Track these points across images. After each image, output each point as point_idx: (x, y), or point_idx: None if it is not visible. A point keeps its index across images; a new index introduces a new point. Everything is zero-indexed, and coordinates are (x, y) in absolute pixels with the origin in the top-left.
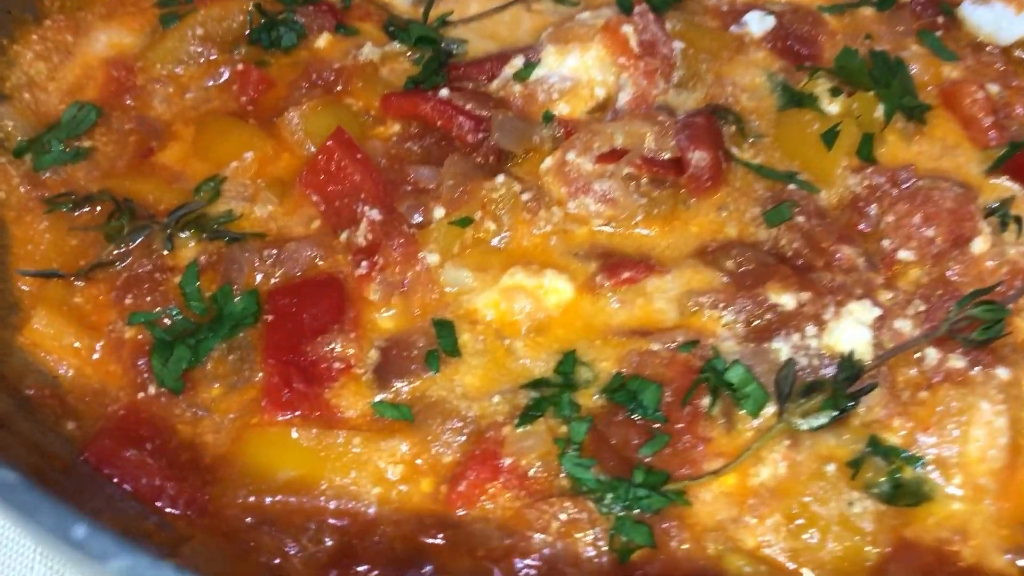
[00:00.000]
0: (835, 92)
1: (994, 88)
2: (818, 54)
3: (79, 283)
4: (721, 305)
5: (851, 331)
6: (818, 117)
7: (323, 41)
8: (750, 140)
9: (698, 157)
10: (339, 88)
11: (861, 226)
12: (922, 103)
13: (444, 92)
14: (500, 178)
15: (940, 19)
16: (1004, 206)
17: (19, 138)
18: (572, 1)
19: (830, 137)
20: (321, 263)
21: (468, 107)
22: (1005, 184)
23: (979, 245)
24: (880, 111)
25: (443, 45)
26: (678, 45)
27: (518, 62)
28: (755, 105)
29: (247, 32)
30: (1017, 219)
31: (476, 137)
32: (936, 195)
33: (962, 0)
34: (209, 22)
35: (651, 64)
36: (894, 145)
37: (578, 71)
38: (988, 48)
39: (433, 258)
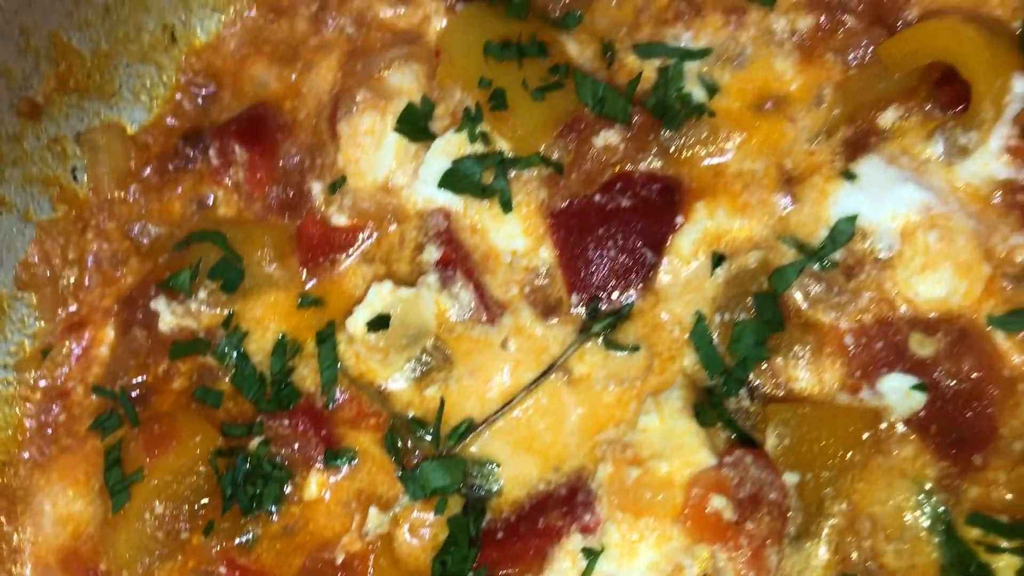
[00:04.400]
0: None
1: None
2: (986, 437)
3: None
4: None
5: None
6: None
7: (314, 484)
8: None
9: None
10: None
11: None
12: None
13: None
14: None
15: None
16: None
17: None
18: (631, 347)
19: None
20: None
21: None
22: None
23: None
24: None
25: (472, 488)
26: (791, 480)
27: (574, 546)
28: (906, 567)
29: (217, 489)
30: None
31: None
32: None
33: None
34: (165, 493)
35: (756, 536)
36: None
37: (657, 566)
38: None
39: None
